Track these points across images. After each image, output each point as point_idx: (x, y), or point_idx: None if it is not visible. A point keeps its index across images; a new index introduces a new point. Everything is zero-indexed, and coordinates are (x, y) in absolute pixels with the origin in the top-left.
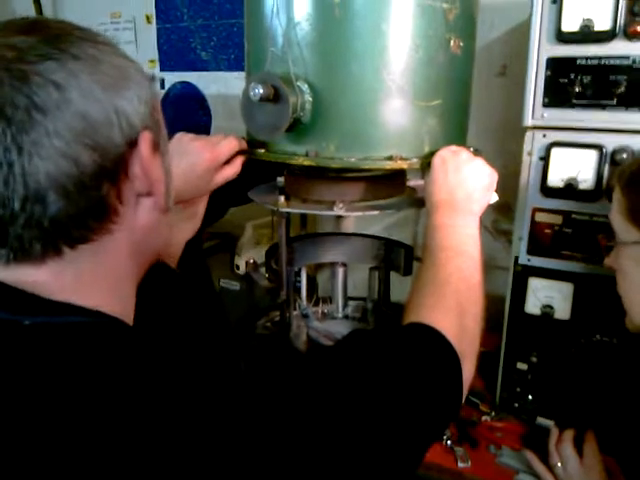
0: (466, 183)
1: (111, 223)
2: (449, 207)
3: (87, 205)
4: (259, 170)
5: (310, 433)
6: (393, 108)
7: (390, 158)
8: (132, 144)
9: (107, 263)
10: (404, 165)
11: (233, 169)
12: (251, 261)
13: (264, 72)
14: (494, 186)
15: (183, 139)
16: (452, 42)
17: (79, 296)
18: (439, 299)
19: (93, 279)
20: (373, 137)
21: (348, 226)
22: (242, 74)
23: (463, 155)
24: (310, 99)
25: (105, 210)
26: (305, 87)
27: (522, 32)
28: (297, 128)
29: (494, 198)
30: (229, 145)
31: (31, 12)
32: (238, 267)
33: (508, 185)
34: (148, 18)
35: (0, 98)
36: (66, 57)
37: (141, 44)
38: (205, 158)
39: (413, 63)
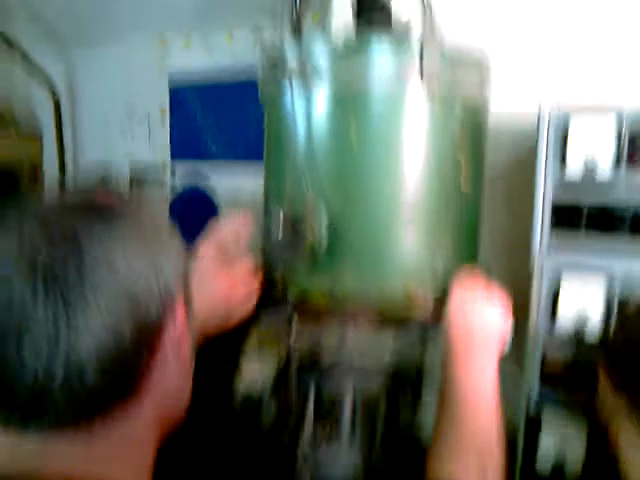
0: (484, 329)
1: (142, 392)
2: (468, 354)
3: (123, 377)
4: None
5: None
6: (407, 239)
7: (406, 288)
8: (168, 313)
9: (135, 432)
10: (420, 298)
11: (250, 293)
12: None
13: (284, 209)
14: (509, 331)
15: (199, 265)
16: (463, 175)
17: (107, 469)
18: (461, 457)
19: (121, 450)
20: (388, 269)
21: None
22: (250, 164)
23: (481, 296)
24: (327, 233)
25: (138, 380)
26: (323, 219)
27: (525, 162)
28: (313, 262)
29: (507, 346)
30: (244, 267)
31: (49, 106)
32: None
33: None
34: (162, 112)
35: (57, 275)
36: (116, 234)
37: (154, 135)
38: (224, 286)
39: (427, 198)
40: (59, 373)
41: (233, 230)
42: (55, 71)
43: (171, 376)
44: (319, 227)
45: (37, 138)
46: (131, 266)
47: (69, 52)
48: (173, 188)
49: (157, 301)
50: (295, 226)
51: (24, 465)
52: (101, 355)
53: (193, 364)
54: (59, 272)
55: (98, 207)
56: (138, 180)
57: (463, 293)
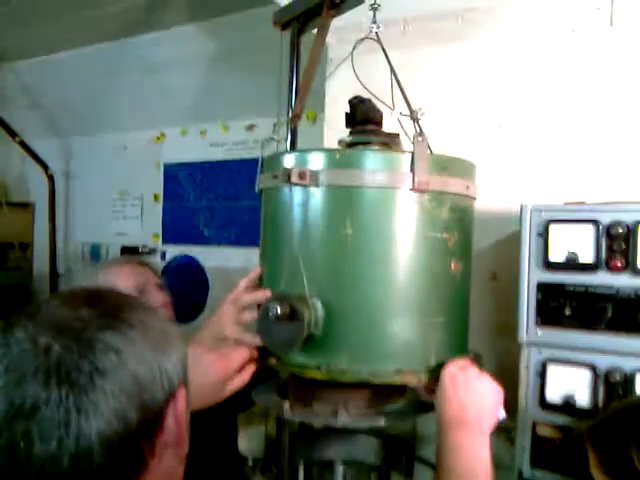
0: (475, 401)
1: (143, 474)
2: (460, 426)
3: (127, 458)
4: (265, 374)
5: None
6: (401, 325)
7: (399, 371)
8: (170, 399)
9: None
10: (413, 380)
11: (243, 379)
12: (252, 460)
13: (280, 292)
14: (501, 403)
15: (197, 351)
16: (452, 265)
17: None
18: None
19: None
20: (382, 351)
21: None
22: (242, 250)
23: (471, 372)
24: (323, 316)
25: (140, 461)
26: (318, 305)
27: (510, 244)
28: (310, 342)
29: (502, 415)
30: (240, 356)
31: (43, 188)
32: None
33: (500, 381)
34: (156, 197)
35: (68, 364)
36: (124, 326)
37: (147, 219)
38: (217, 369)
39: (419, 285)
40: (67, 458)
41: (249, 289)
42: (52, 156)
43: (169, 458)
44: (315, 310)
45: (29, 213)
46: (138, 354)
47: (67, 139)
48: (164, 258)
49: (161, 389)
50: (293, 308)
51: None
52: (108, 437)
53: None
54: (70, 361)
55: (107, 307)
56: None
57: (455, 370)
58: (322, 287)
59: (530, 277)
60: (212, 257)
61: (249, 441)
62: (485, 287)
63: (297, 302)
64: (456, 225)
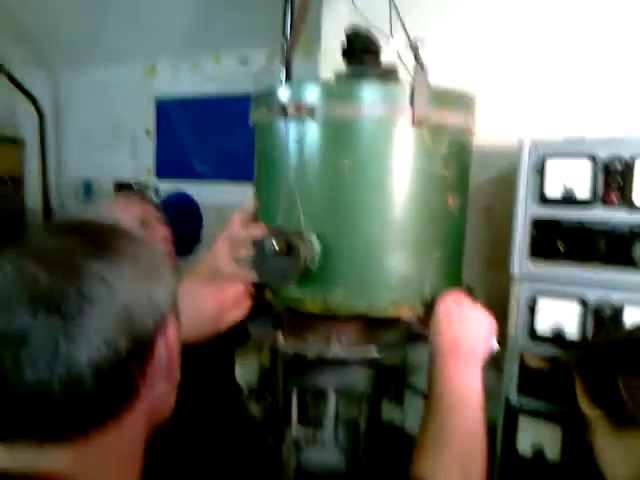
0: (469, 332)
1: (136, 402)
2: (453, 356)
3: (118, 386)
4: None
5: None
6: (397, 259)
7: (394, 304)
8: (161, 327)
9: (128, 438)
10: (409, 313)
11: (239, 312)
12: (247, 388)
13: (277, 227)
14: (493, 334)
15: (192, 286)
16: (450, 200)
17: (99, 471)
18: (445, 455)
19: (114, 454)
20: (378, 284)
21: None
22: (236, 185)
23: (465, 304)
24: (319, 250)
25: (132, 390)
26: (315, 239)
27: (506, 179)
28: (306, 276)
29: (495, 347)
30: (235, 289)
31: (33, 122)
32: None
33: (492, 314)
34: (148, 132)
35: (55, 292)
36: (112, 255)
37: (139, 155)
38: (212, 302)
39: (414, 218)
40: (58, 384)
41: (244, 224)
42: (41, 90)
43: (161, 386)
44: (311, 245)
45: (18, 149)
46: (127, 283)
47: (56, 73)
48: (158, 194)
49: (150, 316)
50: (289, 242)
51: (17, 467)
52: (99, 366)
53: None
54: (58, 290)
55: (96, 236)
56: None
57: (449, 303)
58: (318, 221)
59: (525, 212)
60: (206, 193)
61: (245, 372)
62: (479, 221)
63: (293, 237)
64: (454, 160)
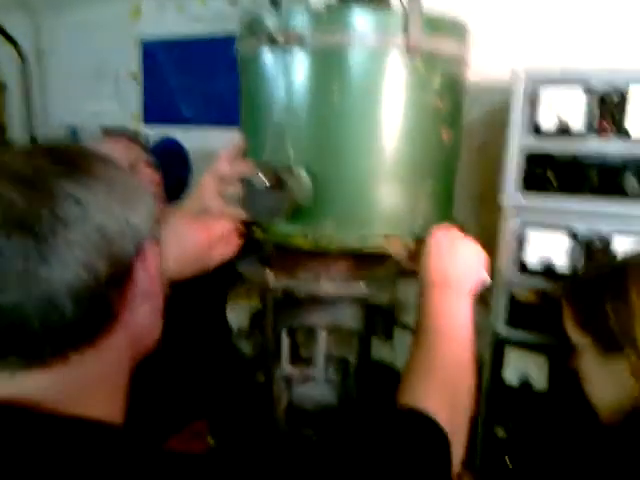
0: (459, 264)
1: (114, 326)
2: (443, 288)
3: (96, 310)
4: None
5: None
6: (389, 192)
7: (385, 238)
8: (139, 252)
9: (109, 363)
10: (400, 247)
11: (228, 249)
12: (237, 328)
13: (266, 162)
14: (484, 267)
15: (178, 221)
16: (443, 133)
17: (79, 398)
18: (432, 383)
19: (94, 380)
20: (369, 218)
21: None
22: (224, 129)
23: (456, 237)
24: (309, 185)
25: (111, 314)
26: (304, 173)
27: (500, 115)
28: (296, 211)
29: (487, 280)
30: (223, 225)
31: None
32: None
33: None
34: (133, 75)
35: (26, 213)
36: (86, 177)
37: (125, 99)
38: (199, 238)
39: (406, 150)
40: (33, 306)
41: (231, 162)
42: (22, 33)
43: (143, 312)
44: (301, 179)
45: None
46: (102, 206)
47: (37, 16)
48: (146, 140)
49: (129, 240)
50: (278, 177)
51: None
52: (76, 289)
53: (164, 302)
54: (31, 212)
55: (69, 158)
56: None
57: (439, 236)
58: (308, 155)
59: (517, 143)
60: (194, 138)
61: (235, 313)
62: (472, 158)
63: (282, 171)
64: (448, 92)
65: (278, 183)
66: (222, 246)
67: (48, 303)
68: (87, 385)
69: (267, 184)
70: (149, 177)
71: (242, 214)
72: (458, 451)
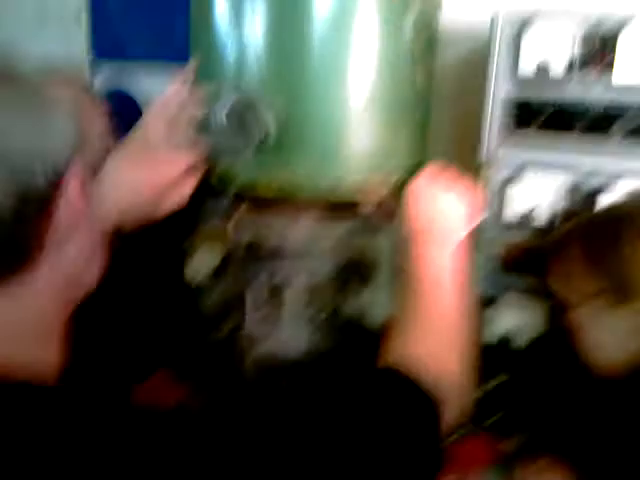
0: (443, 214)
1: (32, 263)
2: (426, 238)
3: (5, 246)
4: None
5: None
6: (362, 133)
7: (359, 185)
8: (58, 183)
9: (26, 307)
10: (375, 194)
11: (180, 194)
12: (202, 275)
13: (223, 97)
14: (475, 213)
15: (121, 164)
16: (417, 73)
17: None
18: (417, 339)
19: (21, 325)
20: (341, 163)
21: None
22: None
23: (440, 185)
24: (275, 121)
25: (24, 250)
26: (269, 109)
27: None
28: (259, 153)
29: (476, 223)
30: (174, 168)
31: None
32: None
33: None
34: (79, 12)
35: None
36: None
37: (71, 40)
38: (146, 184)
39: (379, 88)
40: None
41: (179, 101)
42: None
43: (71, 250)
44: (266, 114)
45: None
46: (3, 124)
47: None
48: (96, 91)
49: (39, 171)
50: (239, 113)
51: None
52: None
53: (102, 243)
54: None
55: None
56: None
57: (421, 182)
58: (273, 88)
59: (497, 92)
60: (144, 83)
61: (196, 267)
62: (447, 107)
63: (244, 106)
64: (422, 30)
65: (238, 120)
66: (173, 192)
67: None
68: (8, 330)
69: (225, 121)
70: (99, 126)
71: (196, 158)
72: (452, 412)
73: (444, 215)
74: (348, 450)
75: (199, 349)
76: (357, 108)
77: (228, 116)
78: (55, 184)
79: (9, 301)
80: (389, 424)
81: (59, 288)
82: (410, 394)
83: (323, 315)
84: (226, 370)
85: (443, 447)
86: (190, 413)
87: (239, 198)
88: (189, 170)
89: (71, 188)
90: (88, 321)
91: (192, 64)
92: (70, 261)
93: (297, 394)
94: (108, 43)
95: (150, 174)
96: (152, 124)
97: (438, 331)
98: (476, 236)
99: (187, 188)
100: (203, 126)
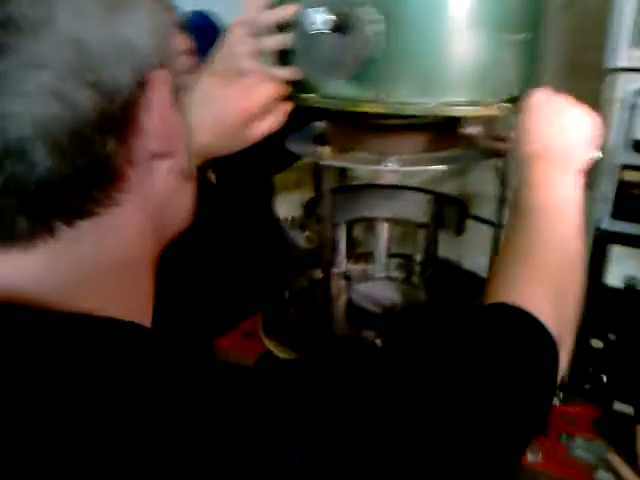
0: (566, 134)
1: (119, 191)
2: (545, 161)
3: (87, 165)
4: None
5: (397, 438)
6: (475, 44)
7: (475, 103)
8: (144, 85)
9: (115, 244)
10: (491, 112)
11: (273, 121)
12: (289, 218)
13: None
14: (598, 140)
15: (209, 83)
16: None
17: (81, 294)
18: (533, 273)
19: (99, 268)
20: (453, 77)
21: (389, 179)
22: None
23: (562, 100)
24: (381, 29)
25: (111, 173)
26: (374, 14)
27: None
28: (363, 66)
29: (597, 154)
30: (266, 91)
31: None
32: None
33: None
34: None
35: None
36: None
37: None
38: (236, 108)
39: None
40: None
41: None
42: None
43: (159, 174)
44: (371, 21)
45: None
46: (78, 8)
47: None
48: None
49: (126, 66)
50: (342, 17)
51: None
52: (51, 128)
53: (195, 183)
54: None
55: None
56: None
57: (542, 98)
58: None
59: None
60: (231, 8)
61: (286, 203)
62: (557, 19)
63: (347, 8)
64: None
65: (342, 25)
66: (265, 117)
67: (10, 150)
68: (91, 273)
69: (327, 27)
70: (182, 45)
71: (290, 73)
72: (564, 360)
73: (566, 135)
74: (468, 389)
75: (287, 295)
76: (470, 12)
77: (328, 20)
78: (142, 82)
79: (96, 237)
80: (509, 361)
81: (149, 224)
82: (530, 335)
83: (419, 256)
84: (313, 319)
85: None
86: (280, 369)
87: (332, 123)
88: (281, 92)
89: (161, 93)
90: (174, 266)
91: None
92: (160, 188)
93: (398, 342)
94: None
95: (239, 97)
96: (236, 38)
97: (558, 271)
98: (599, 162)
99: (280, 112)
100: (299, 34)
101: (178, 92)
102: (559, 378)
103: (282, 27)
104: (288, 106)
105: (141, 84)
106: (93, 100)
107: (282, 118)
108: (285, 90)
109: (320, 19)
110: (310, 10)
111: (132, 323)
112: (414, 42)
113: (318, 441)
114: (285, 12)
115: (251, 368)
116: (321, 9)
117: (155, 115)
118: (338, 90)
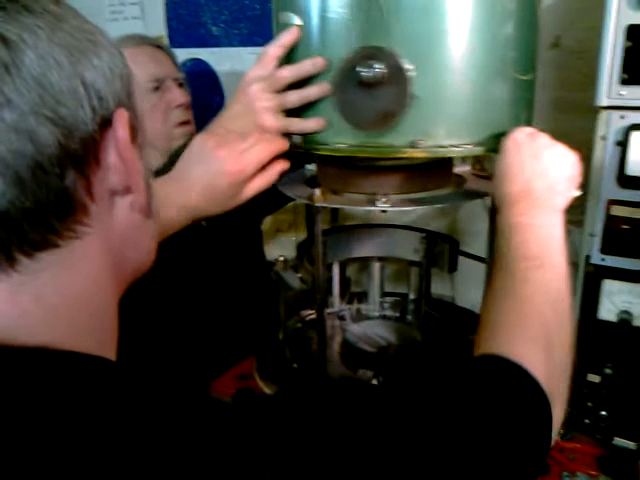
0: (548, 172)
1: (79, 224)
2: (527, 201)
3: (47, 198)
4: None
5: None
6: (501, 84)
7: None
8: (105, 124)
9: (76, 277)
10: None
11: (266, 179)
12: (281, 259)
13: (370, 46)
14: (579, 177)
15: (205, 145)
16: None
17: (41, 326)
18: (521, 326)
19: (59, 300)
20: (483, 118)
21: (380, 217)
22: (256, 49)
23: (542, 139)
24: (415, 76)
25: (71, 206)
26: (408, 64)
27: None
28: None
29: (576, 192)
30: (260, 154)
31: None
32: None
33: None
34: None
35: None
36: (17, 8)
37: (149, 20)
38: (229, 171)
39: (510, 36)
40: None
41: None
42: None
43: (120, 214)
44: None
45: None
46: (44, 51)
47: None
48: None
49: (87, 107)
50: (395, 65)
51: None
52: (11, 162)
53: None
54: None
55: None
56: None
57: (521, 137)
58: (406, 40)
59: (618, 19)
60: (223, 60)
61: (280, 246)
62: (545, 58)
63: (393, 59)
64: None
65: (393, 74)
66: (258, 178)
67: None
68: (52, 305)
69: (379, 75)
70: (179, 99)
71: (317, 124)
72: (558, 415)
73: (548, 174)
74: (457, 440)
75: (281, 336)
76: (497, 55)
77: (380, 72)
78: (103, 121)
79: (59, 267)
80: (501, 419)
81: (108, 261)
82: (520, 387)
83: (412, 294)
84: (308, 360)
85: (549, 447)
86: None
87: (322, 166)
88: (279, 151)
89: (121, 133)
90: (166, 310)
91: (293, 29)
92: (121, 225)
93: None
94: (185, 23)
95: (231, 160)
96: (253, 93)
97: (547, 318)
98: (589, 197)
99: (275, 172)
100: (341, 82)
101: (137, 131)
102: (554, 431)
103: (302, 82)
104: (283, 165)
105: (101, 122)
106: (53, 135)
107: (275, 177)
108: (283, 148)
109: (371, 67)
110: (364, 61)
111: (93, 356)
112: (450, 88)
113: (284, 466)
114: (313, 66)
115: (227, 402)
116: (373, 60)
117: (114, 152)
118: (374, 139)
